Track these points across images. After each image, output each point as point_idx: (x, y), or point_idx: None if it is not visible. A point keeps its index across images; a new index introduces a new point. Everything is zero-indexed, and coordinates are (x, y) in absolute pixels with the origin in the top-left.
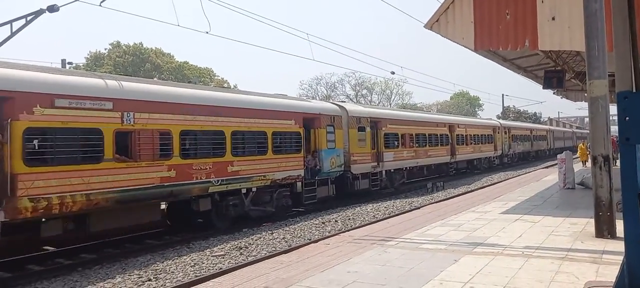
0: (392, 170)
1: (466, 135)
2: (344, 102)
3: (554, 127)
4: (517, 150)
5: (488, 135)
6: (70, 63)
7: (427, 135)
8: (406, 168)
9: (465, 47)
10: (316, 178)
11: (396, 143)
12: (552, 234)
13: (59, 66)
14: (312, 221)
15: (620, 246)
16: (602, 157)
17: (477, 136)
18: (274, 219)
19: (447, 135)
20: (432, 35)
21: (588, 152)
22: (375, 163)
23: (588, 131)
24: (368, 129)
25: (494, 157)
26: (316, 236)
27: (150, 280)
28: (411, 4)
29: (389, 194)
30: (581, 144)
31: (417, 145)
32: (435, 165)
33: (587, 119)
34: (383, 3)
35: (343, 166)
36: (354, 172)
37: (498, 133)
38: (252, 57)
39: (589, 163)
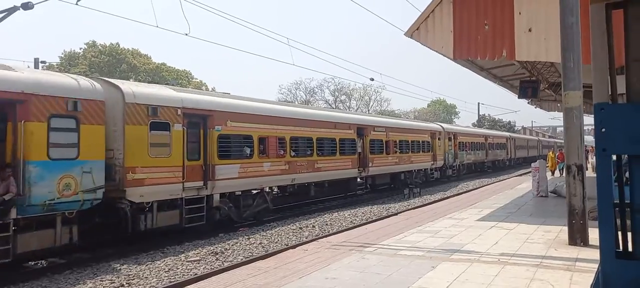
0: (234, 194)
1: (387, 142)
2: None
3: (516, 135)
4: (467, 160)
5: (423, 141)
6: (43, 62)
7: (314, 139)
8: (260, 190)
9: (444, 55)
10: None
11: (249, 151)
12: (527, 241)
13: (32, 66)
14: (289, 226)
15: (592, 254)
16: (576, 166)
17: (406, 143)
18: (250, 224)
19: (354, 140)
20: (412, 43)
21: (557, 161)
22: (201, 184)
23: (556, 140)
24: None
25: (432, 169)
26: (294, 241)
27: (123, 285)
28: (392, 12)
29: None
30: (550, 153)
31: (294, 154)
32: (330, 182)
33: (559, 129)
34: (364, 10)
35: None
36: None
37: (439, 139)
38: (232, 60)
39: (557, 173)
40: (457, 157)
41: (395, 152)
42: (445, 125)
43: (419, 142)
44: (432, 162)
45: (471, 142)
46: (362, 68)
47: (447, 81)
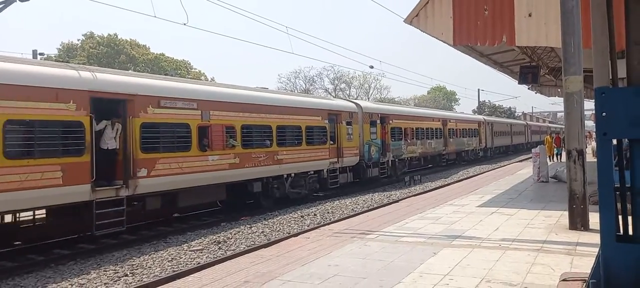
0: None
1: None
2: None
3: (495, 118)
4: (409, 153)
5: (315, 128)
6: (41, 54)
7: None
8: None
9: (444, 42)
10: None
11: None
12: (528, 227)
13: (31, 57)
14: (291, 215)
15: (592, 238)
16: (577, 151)
17: (267, 129)
18: (252, 213)
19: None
20: (412, 29)
21: (554, 146)
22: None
23: (550, 125)
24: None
25: (331, 171)
26: (296, 230)
27: (126, 275)
28: None
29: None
30: (547, 137)
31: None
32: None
33: (560, 114)
34: None
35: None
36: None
37: (349, 124)
38: (231, 49)
39: (556, 158)
40: (389, 150)
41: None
42: (365, 104)
43: (300, 128)
44: (334, 159)
45: (416, 128)
46: (361, 55)
47: (448, 67)
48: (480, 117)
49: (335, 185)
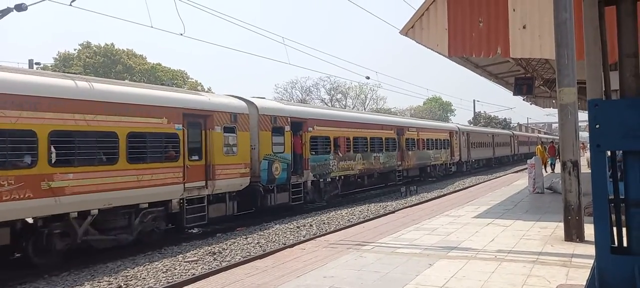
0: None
1: None
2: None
3: (471, 127)
4: (338, 170)
5: (160, 135)
6: (38, 63)
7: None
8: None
9: (439, 53)
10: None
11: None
12: (523, 238)
13: (26, 66)
14: (286, 225)
15: (588, 249)
16: (571, 163)
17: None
18: (247, 224)
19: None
20: (408, 41)
21: (547, 155)
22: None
23: (541, 136)
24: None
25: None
26: (291, 241)
27: (120, 286)
28: (387, 11)
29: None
30: (539, 147)
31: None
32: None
33: (554, 125)
34: (360, 9)
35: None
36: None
37: (229, 131)
38: (228, 59)
39: (550, 169)
40: (307, 168)
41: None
42: (264, 102)
43: (115, 136)
44: (197, 182)
45: (354, 138)
46: (358, 66)
47: (444, 79)
48: (453, 125)
49: (201, 223)
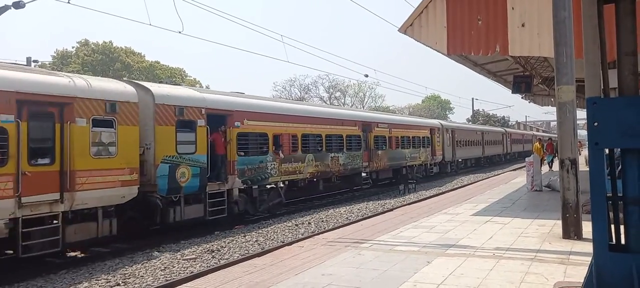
0: None
1: None
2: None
3: (456, 124)
4: (280, 174)
5: None
6: (35, 61)
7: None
8: None
9: (438, 51)
10: None
11: None
12: (522, 236)
13: (25, 64)
14: (285, 223)
15: (586, 247)
16: (570, 161)
17: None
18: (246, 221)
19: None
20: (407, 39)
21: (545, 153)
22: None
23: (535, 133)
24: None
25: None
26: (290, 238)
27: (118, 284)
28: (386, 9)
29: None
30: (536, 143)
31: None
32: None
33: (553, 123)
34: (358, 7)
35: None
36: None
37: (105, 124)
38: (226, 58)
39: (548, 166)
40: (234, 173)
41: None
42: (163, 89)
43: None
44: (44, 195)
45: (303, 135)
46: (357, 64)
47: (443, 77)
48: (435, 121)
49: (52, 250)
